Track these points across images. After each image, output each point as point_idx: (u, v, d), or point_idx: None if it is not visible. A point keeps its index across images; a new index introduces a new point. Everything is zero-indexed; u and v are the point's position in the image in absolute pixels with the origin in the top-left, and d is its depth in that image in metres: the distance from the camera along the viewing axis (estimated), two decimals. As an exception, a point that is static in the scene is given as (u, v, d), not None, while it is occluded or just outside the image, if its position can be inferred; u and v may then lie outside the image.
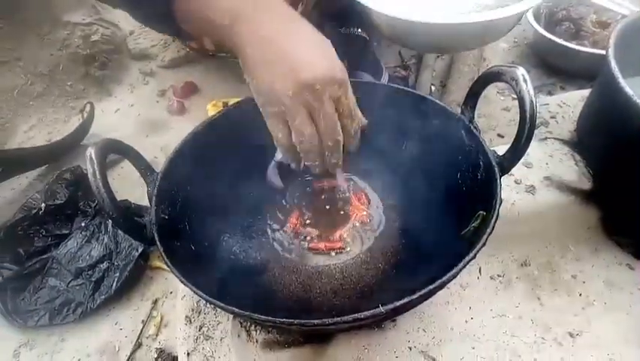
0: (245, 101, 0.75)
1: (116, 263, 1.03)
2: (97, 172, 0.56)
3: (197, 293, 0.53)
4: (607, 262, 0.77)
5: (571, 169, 0.79)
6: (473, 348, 0.68)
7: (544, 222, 0.78)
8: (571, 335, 0.70)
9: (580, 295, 0.74)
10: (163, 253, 0.58)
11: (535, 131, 0.88)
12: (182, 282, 0.54)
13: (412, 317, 0.72)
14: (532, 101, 0.60)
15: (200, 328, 0.73)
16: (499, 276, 0.76)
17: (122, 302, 1.04)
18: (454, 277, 0.55)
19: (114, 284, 1.01)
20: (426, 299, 0.58)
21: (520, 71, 0.61)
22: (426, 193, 0.75)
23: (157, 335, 1.00)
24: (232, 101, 1.23)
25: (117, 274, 1.01)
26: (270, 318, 0.51)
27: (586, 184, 0.77)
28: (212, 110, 1.25)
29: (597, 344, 0.68)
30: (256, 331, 0.67)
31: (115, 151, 0.64)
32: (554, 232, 0.78)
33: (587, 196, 0.78)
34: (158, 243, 0.59)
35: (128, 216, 0.60)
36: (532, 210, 0.76)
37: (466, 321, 0.71)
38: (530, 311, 0.72)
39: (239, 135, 0.76)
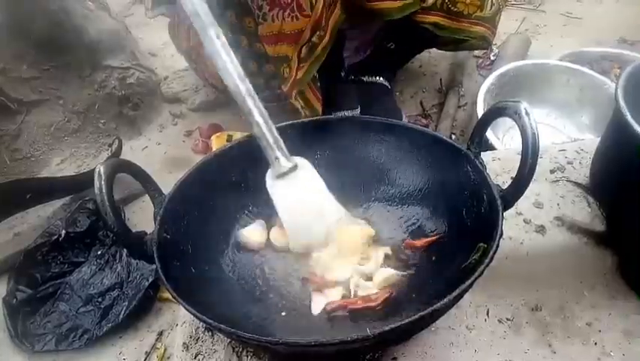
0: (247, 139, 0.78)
1: (126, 292, 1.04)
2: (103, 187, 0.58)
3: (183, 305, 0.53)
4: (626, 310, 0.72)
5: (583, 211, 0.77)
6: (477, 393, 0.64)
7: (555, 265, 0.74)
8: (584, 385, 0.65)
9: (595, 344, 0.69)
10: (160, 269, 0.59)
11: (551, 175, 0.87)
12: (171, 294, 0.54)
13: (414, 357, 0.68)
14: (534, 134, 0.59)
15: (197, 355, 0.72)
16: (508, 320, 0.73)
17: (129, 332, 1.03)
18: (448, 306, 0.53)
19: (122, 313, 1.01)
20: (418, 328, 0.56)
21: (523, 105, 0.61)
22: (433, 229, 0.74)
23: (158, 367, 0.99)
24: (235, 134, 1.30)
25: (126, 303, 1.02)
26: (254, 336, 0.50)
27: (599, 226, 0.74)
28: (215, 141, 1.30)
29: (613, 397, 0.63)
30: (247, 356, 0.65)
31: (125, 170, 0.66)
32: (567, 276, 0.75)
33: (602, 240, 0.75)
34: (155, 258, 0.60)
35: (130, 232, 0.61)
36: (541, 250, 0.74)
37: (471, 365, 0.68)
38: (540, 359, 0.68)
39: (241, 169, 0.79)
